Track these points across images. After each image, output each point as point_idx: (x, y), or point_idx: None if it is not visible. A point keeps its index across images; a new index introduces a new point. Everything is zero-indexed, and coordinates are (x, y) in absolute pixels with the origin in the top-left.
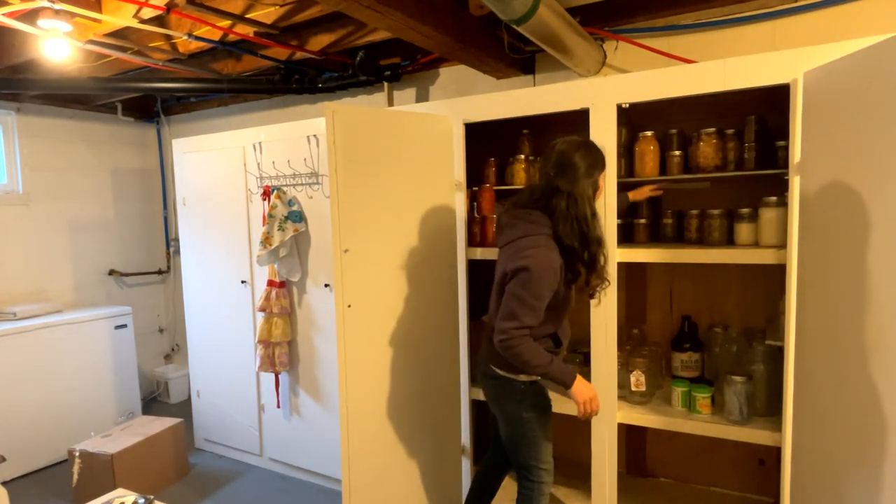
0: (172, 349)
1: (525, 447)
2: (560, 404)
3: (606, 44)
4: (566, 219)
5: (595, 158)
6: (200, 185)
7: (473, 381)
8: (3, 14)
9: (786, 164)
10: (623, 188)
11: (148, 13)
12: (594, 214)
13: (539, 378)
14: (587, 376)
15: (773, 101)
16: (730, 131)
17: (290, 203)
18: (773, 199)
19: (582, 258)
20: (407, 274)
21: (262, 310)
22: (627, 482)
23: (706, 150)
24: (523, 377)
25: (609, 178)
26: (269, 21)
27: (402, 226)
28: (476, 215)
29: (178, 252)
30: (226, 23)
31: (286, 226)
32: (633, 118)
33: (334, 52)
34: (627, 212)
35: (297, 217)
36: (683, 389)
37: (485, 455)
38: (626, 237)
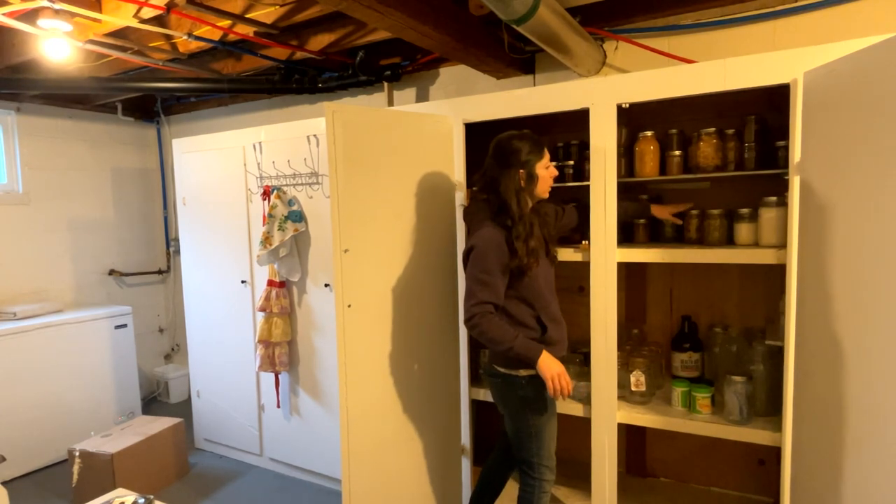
0: (172, 349)
1: (528, 443)
2: (559, 405)
3: (606, 44)
4: (499, 201)
5: (517, 148)
6: (200, 185)
7: (473, 381)
8: (3, 14)
9: (786, 164)
10: (624, 189)
11: (148, 13)
12: (520, 198)
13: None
14: (587, 376)
15: (773, 101)
16: (730, 131)
17: (290, 203)
18: (773, 199)
19: (516, 236)
20: (407, 274)
21: (262, 310)
22: (627, 482)
23: (706, 150)
24: (523, 372)
25: (609, 179)
26: (269, 21)
27: (402, 225)
28: None
29: (178, 252)
30: (226, 23)
31: (286, 226)
32: (633, 118)
33: (334, 52)
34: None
35: (297, 217)
36: (683, 389)
37: (490, 453)
38: (627, 237)
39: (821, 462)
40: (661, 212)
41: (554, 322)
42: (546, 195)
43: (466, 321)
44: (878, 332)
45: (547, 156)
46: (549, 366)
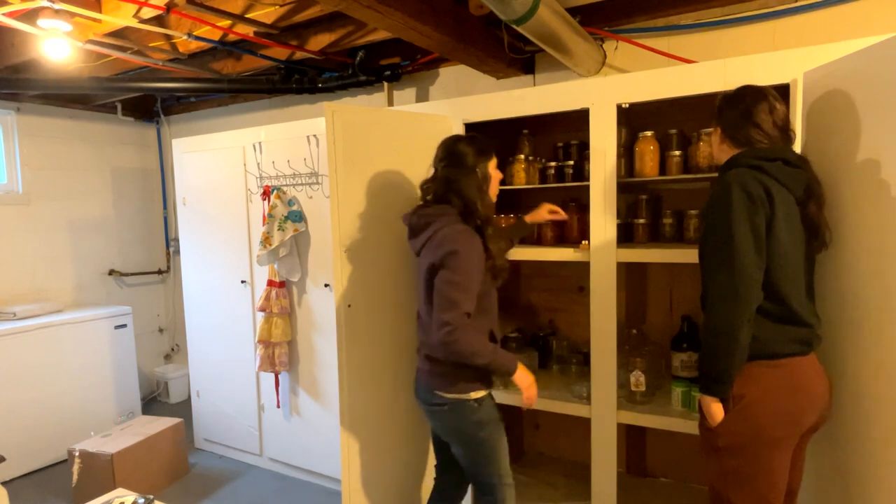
0: (172, 349)
1: (485, 467)
2: (557, 404)
3: (606, 44)
4: (464, 202)
5: (470, 150)
6: (200, 185)
7: None
8: (3, 14)
9: None
10: (623, 189)
11: (148, 13)
12: (482, 198)
13: (487, 392)
14: (587, 376)
15: None
16: None
17: (289, 203)
18: None
19: (488, 236)
20: (407, 274)
21: (262, 310)
22: (627, 482)
23: (706, 150)
24: (473, 394)
25: (609, 179)
26: (268, 21)
27: (402, 225)
28: None
29: (178, 252)
30: (226, 23)
31: (286, 226)
32: (633, 118)
33: (334, 52)
34: (627, 211)
35: (297, 217)
36: (683, 389)
37: (435, 483)
38: (627, 237)
39: (818, 460)
40: (536, 216)
41: (499, 334)
42: (494, 198)
43: (446, 334)
44: (876, 332)
45: (495, 159)
46: (526, 377)
